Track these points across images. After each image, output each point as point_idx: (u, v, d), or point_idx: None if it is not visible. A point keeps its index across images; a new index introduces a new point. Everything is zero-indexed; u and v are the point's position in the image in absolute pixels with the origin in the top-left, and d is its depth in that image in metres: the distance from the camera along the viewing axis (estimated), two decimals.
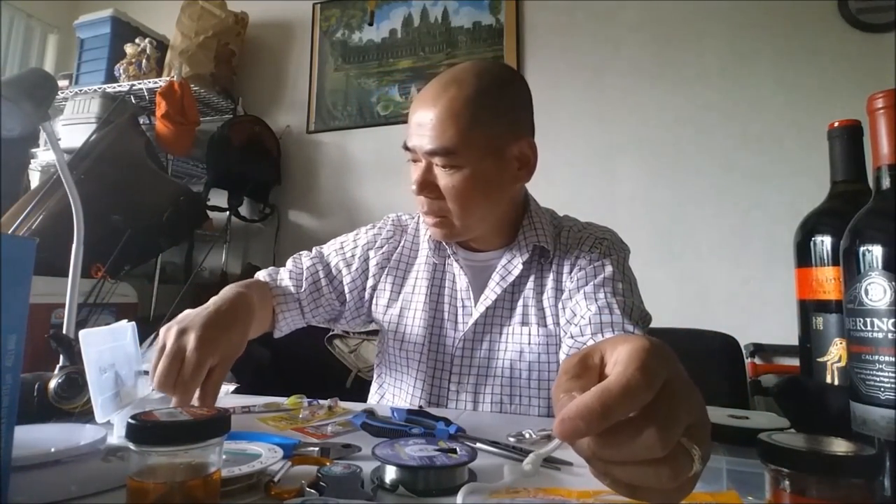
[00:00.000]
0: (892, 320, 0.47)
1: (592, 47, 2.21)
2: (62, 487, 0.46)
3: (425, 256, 0.94)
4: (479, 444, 0.59)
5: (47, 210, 1.77)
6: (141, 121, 2.33)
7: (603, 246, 0.87)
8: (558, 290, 0.86)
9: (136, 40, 2.48)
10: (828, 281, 0.62)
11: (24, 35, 2.86)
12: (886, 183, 0.52)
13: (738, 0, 2.02)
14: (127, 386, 0.66)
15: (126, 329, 0.68)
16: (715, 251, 1.97)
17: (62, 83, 2.47)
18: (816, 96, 1.90)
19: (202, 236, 2.47)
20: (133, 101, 2.40)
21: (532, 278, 0.88)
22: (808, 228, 0.66)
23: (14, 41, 2.80)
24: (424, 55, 2.46)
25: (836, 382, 0.60)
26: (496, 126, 0.79)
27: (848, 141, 0.64)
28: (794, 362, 1.54)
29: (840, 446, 0.39)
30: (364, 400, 0.98)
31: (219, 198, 2.45)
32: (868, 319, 0.49)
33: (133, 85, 2.35)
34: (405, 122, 0.83)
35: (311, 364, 1.83)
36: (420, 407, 0.85)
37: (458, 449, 0.51)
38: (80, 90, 2.41)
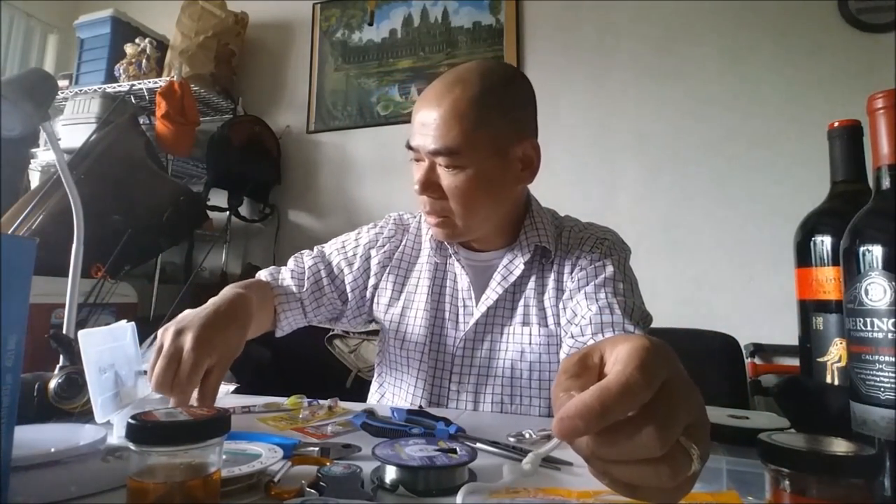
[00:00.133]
0: (892, 320, 0.47)
1: (592, 47, 2.21)
2: (62, 487, 0.46)
3: (427, 256, 0.94)
4: (478, 444, 0.59)
5: (47, 210, 1.77)
6: (141, 121, 2.32)
7: (604, 246, 0.87)
8: (559, 290, 0.86)
9: (136, 40, 2.48)
10: (828, 281, 0.62)
11: (24, 35, 2.86)
12: (886, 183, 0.52)
13: (738, 0, 2.02)
14: (127, 386, 0.66)
15: (126, 329, 0.68)
16: (715, 251, 1.97)
17: (62, 83, 2.47)
18: (816, 96, 1.90)
19: (202, 236, 2.47)
20: (133, 101, 2.40)
21: (533, 278, 0.88)
22: (809, 228, 0.66)
23: (14, 41, 2.80)
24: (424, 55, 2.46)
25: (836, 382, 0.60)
26: (500, 126, 0.79)
27: (848, 141, 0.64)
28: (794, 362, 1.54)
29: (840, 446, 0.39)
30: (364, 400, 0.98)
31: (219, 198, 2.45)
32: (868, 319, 0.49)
33: (133, 85, 2.35)
34: (405, 122, 0.83)
35: (311, 364, 1.83)
36: (420, 407, 0.85)
37: (458, 449, 0.51)
38: (80, 90, 2.41)
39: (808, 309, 0.64)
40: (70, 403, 0.68)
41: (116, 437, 0.60)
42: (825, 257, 0.63)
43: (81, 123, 2.26)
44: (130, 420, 0.38)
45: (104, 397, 0.61)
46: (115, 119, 2.17)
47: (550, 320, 0.85)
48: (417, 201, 0.83)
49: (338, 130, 2.57)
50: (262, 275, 0.95)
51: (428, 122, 0.78)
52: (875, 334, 0.48)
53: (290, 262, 0.97)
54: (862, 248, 0.50)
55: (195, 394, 0.62)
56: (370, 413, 0.68)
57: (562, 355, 0.81)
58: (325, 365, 1.86)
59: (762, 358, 1.87)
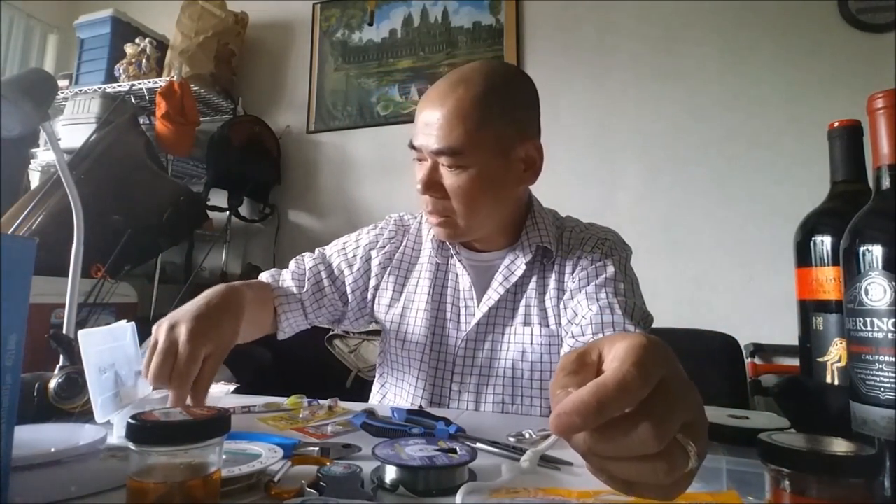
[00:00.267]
0: (892, 320, 0.47)
1: (592, 47, 2.21)
2: (62, 487, 0.46)
3: (428, 256, 0.94)
4: (478, 444, 0.59)
5: (47, 210, 1.77)
6: (141, 121, 2.32)
7: (605, 246, 0.87)
8: (560, 290, 0.86)
9: (136, 40, 2.48)
10: (828, 281, 0.62)
11: (24, 35, 2.86)
12: (886, 183, 0.52)
13: (738, 0, 2.02)
14: (127, 386, 0.66)
15: (126, 329, 0.68)
16: (715, 251, 1.97)
17: (62, 83, 2.47)
18: (816, 96, 1.90)
19: (202, 236, 2.47)
20: (133, 101, 2.40)
21: (535, 278, 0.88)
22: (809, 228, 0.66)
23: (14, 41, 2.80)
24: (424, 55, 2.46)
25: (836, 382, 0.60)
26: (504, 127, 0.79)
27: (848, 141, 0.64)
28: (794, 362, 1.54)
29: (840, 446, 0.39)
30: (364, 400, 0.98)
31: (219, 198, 2.45)
32: (868, 319, 0.49)
33: (133, 85, 2.35)
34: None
35: (311, 364, 1.83)
36: (421, 407, 0.85)
37: (458, 449, 0.51)
38: (80, 90, 2.41)
39: (808, 309, 0.64)
40: (70, 403, 0.68)
41: (116, 437, 0.60)
42: (825, 257, 0.63)
43: (81, 123, 2.26)
44: (130, 420, 0.38)
45: (104, 397, 0.61)
46: (115, 119, 2.17)
47: (551, 320, 0.85)
48: (419, 201, 0.83)
49: (338, 130, 2.57)
50: (264, 276, 0.96)
51: (431, 121, 0.78)
52: (875, 334, 0.48)
53: (292, 263, 0.97)
54: (862, 248, 0.50)
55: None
56: (370, 413, 0.68)
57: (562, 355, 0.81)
58: (325, 365, 1.86)
59: (762, 358, 1.87)
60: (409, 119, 2.40)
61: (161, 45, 2.55)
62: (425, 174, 0.80)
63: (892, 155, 0.51)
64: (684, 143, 2.05)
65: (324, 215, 2.56)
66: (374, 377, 1.01)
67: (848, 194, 0.64)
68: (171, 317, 0.66)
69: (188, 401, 0.62)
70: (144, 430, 0.38)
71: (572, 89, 2.20)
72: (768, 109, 1.96)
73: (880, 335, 0.48)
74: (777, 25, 1.98)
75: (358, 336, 1.87)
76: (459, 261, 0.90)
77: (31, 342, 0.46)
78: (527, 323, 0.86)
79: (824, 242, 0.63)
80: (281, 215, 2.58)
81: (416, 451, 0.50)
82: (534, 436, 0.64)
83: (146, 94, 2.38)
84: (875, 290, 0.48)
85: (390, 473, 0.48)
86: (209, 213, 2.37)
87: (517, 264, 0.87)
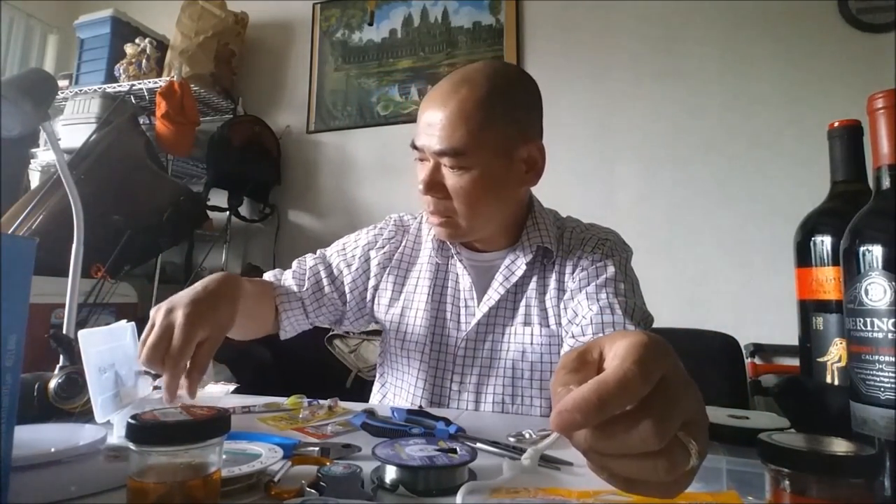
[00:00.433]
0: (892, 320, 0.47)
1: (592, 47, 2.21)
2: (62, 487, 0.46)
3: (427, 256, 0.94)
4: (479, 444, 0.59)
5: (47, 210, 1.77)
6: (141, 121, 2.33)
7: (605, 247, 0.87)
8: (560, 290, 0.86)
9: (136, 40, 2.48)
10: (828, 281, 0.62)
11: (24, 35, 2.86)
12: (886, 183, 0.52)
13: (738, 0, 2.02)
14: (127, 386, 0.66)
15: (125, 329, 0.68)
16: (715, 251, 1.97)
17: (62, 83, 2.47)
18: (816, 96, 1.90)
19: (202, 236, 2.47)
20: (133, 101, 2.40)
21: (535, 279, 0.88)
22: (809, 228, 0.66)
23: (14, 41, 2.80)
24: (424, 55, 2.46)
25: (836, 382, 0.60)
26: (506, 128, 0.79)
27: (848, 141, 0.64)
28: (794, 362, 1.54)
29: (840, 446, 0.39)
30: (364, 400, 0.98)
31: (219, 198, 2.45)
32: (868, 319, 0.49)
33: (133, 85, 2.35)
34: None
35: (311, 364, 1.83)
36: (421, 407, 0.85)
37: (458, 449, 0.51)
38: (80, 90, 2.41)
39: (808, 309, 0.64)
40: (70, 403, 0.68)
41: (116, 437, 0.60)
42: (825, 257, 0.63)
43: (81, 123, 2.26)
44: (130, 420, 0.38)
45: (104, 397, 0.61)
46: (115, 119, 2.17)
47: (552, 320, 0.85)
48: (421, 200, 0.83)
49: (338, 130, 2.57)
50: (267, 276, 0.97)
51: (434, 122, 0.78)
52: (875, 334, 0.48)
53: (294, 264, 0.98)
54: (862, 248, 0.50)
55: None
56: (370, 413, 0.68)
57: None
58: (325, 365, 1.86)
59: (762, 358, 1.87)
60: (410, 119, 2.40)
61: (161, 45, 2.56)
62: (427, 174, 0.80)
63: (892, 155, 0.51)
64: (684, 143, 2.05)
65: (324, 215, 2.56)
66: (374, 377, 1.01)
67: (848, 194, 0.63)
68: (169, 301, 0.66)
69: (181, 385, 0.62)
70: (144, 430, 0.38)
71: (572, 89, 2.20)
72: (768, 109, 1.96)
73: (880, 335, 0.48)
74: (777, 25, 1.98)
75: (358, 336, 1.87)
76: (460, 261, 0.90)
77: (31, 342, 0.46)
78: (527, 323, 0.86)
79: (824, 242, 0.63)
80: (281, 215, 2.58)
81: (416, 451, 0.50)
82: (534, 436, 0.64)
83: (146, 94, 2.38)
84: (875, 290, 0.48)
85: (390, 473, 0.48)
86: (209, 213, 2.37)
87: (517, 264, 0.87)
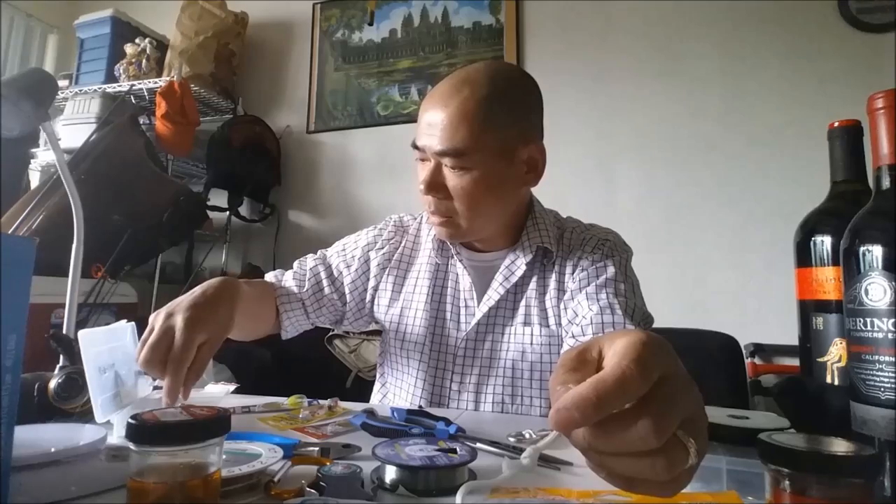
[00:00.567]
0: (892, 320, 0.47)
1: (592, 47, 2.21)
2: (62, 487, 0.46)
3: (427, 257, 0.94)
4: (478, 444, 0.59)
5: (47, 210, 1.77)
6: (141, 121, 2.32)
7: (606, 247, 0.87)
8: (560, 290, 0.86)
9: (136, 40, 2.48)
10: (828, 281, 0.62)
11: (24, 35, 2.86)
12: (886, 183, 0.52)
13: (738, 0, 2.02)
14: (127, 386, 0.66)
15: (125, 329, 0.68)
16: (715, 251, 1.97)
17: (62, 83, 2.47)
18: (816, 96, 1.90)
19: (202, 236, 2.47)
20: (133, 101, 2.40)
21: (535, 279, 0.88)
22: (809, 228, 0.66)
23: (14, 41, 2.81)
24: (424, 55, 2.46)
25: (836, 382, 0.60)
26: (507, 129, 0.79)
27: (848, 141, 0.64)
28: (794, 362, 1.54)
29: (840, 446, 0.39)
30: (364, 400, 0.98)
31: (219, 198, 2.45)
32: (868, 319, 0.49)
33: (133, 85, 2.35)
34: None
35: (311, 364, 1.83)
36: (420, 407, 0.86)
37: (458, 449, 0.51)
38: (80, 90, 2.41)
39: (808, 309, 0.64)
40: (70, 403, 0.68)
41: (116, 437, 0.60)
42: (825, 257, 0.63)
43: (81, 123, 2.26)
44: (130, 420, 0.38)
45: (104, 397, 0.61)
46: (115, 119, 2.17)
47: (552, 321, 0.85)
48: (421, 201, 0.83)
49: (338, 130, 2.57)
50: (268, 277, 0.98)
51: (435, 122, 0.78)
52: (875, 334, 0.48)
53: (295, 265, 0.98)
54: (862, 248, 0.50)
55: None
56: (370, 413, 0.68)
57: None
58: (325, 365, 1.86)
59: (762, 358, 1.87)
60: (410, 119, 2.40)
61: (161, 45, 2.56)
62: (428, 175, 0.80)
63: (892, 155, 0.51)
64: (684, 142, 2.05)
65: (324, 215, 2.56)
66: (374, 377, 1.01)
67: (848, 194, 0.63)
68: (169, 306, 0.67)
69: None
70: (144, 430, 0.38)
71: (572, 89, 2.20)
72: (768, 109, 1.96)
73: (880, 335, 0.48)
74: (777, 26, 1.98)
75: (358, 336, 1.87)
76: (460, 261, 0.90)
77: (31, 342, 0.46)
78: (527, 323, 0.86)
79: (824, 242, 0.63)
80: (281, 215, 2.58)
81: (416, 451, 0.50)
82: (533, 436, 0.64)
83: (146, 94, 2.38)
84: (875, 290, 0.48)
85: (390, 473, 0.48)
86: (209, 213, 2.37)
87: (517, 264, 0.87)
